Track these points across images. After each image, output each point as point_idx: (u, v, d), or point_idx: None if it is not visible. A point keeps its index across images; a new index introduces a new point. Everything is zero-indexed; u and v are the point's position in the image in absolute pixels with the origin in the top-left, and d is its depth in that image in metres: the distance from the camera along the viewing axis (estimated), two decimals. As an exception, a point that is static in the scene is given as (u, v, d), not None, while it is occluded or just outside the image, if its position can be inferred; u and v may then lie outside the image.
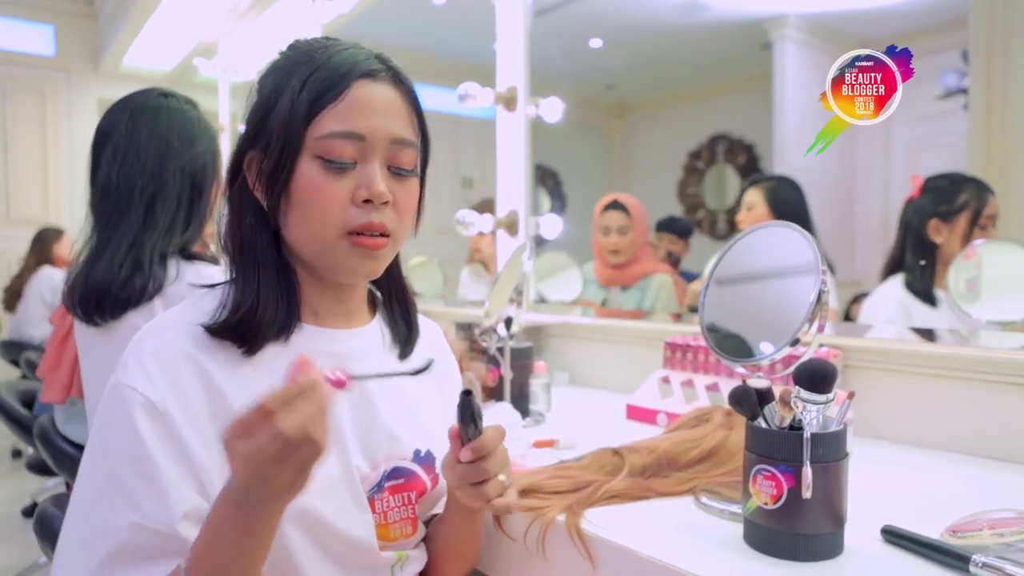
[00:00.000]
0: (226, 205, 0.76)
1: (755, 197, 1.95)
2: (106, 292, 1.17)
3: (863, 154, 2.60)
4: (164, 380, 0.67)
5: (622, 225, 2.15)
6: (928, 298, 1.49)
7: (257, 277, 0.72)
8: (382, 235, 0.73)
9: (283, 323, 0.73)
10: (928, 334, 1.23)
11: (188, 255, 1.24)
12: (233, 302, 0.72)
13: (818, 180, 2.16)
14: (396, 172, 0.74)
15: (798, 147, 2.80)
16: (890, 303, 1.61)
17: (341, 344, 0.78)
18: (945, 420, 1.15)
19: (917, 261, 1.54)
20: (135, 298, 1.17)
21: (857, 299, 1.90)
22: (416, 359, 0.85)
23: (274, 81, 0.73)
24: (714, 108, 3.47)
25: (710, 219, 3.55)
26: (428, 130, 0.79)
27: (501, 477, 0.72)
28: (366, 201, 0.71)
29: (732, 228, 3.46)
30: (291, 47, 0.77)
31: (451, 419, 0.72)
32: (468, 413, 0.71)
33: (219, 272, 1.14)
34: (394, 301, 0.86)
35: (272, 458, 0.54)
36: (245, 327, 0.71)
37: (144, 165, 1.25)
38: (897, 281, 1.59)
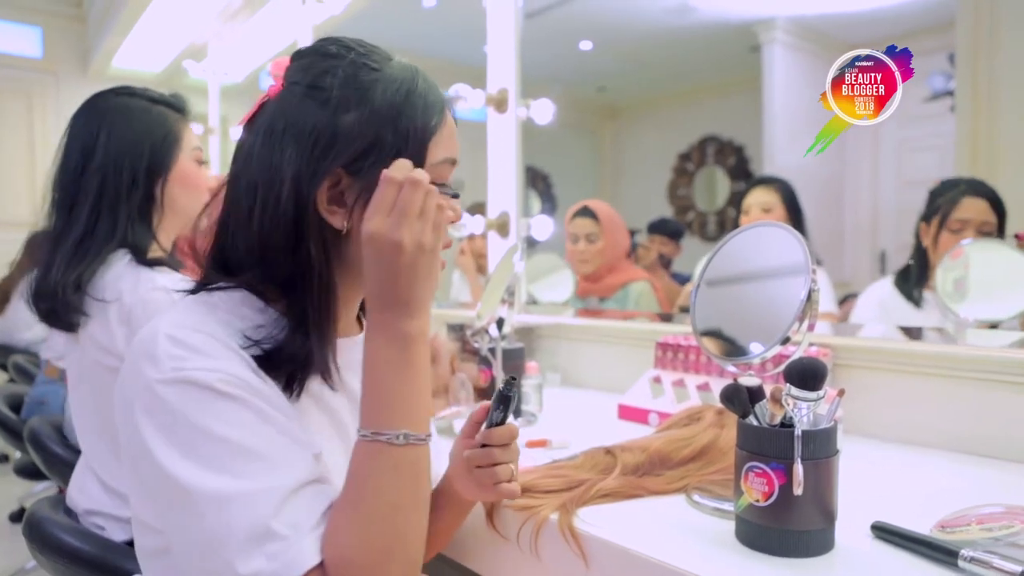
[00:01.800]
0: (276, 231, 0.68)
1: (770, 198, 1.88)
2: (52, 306, 1.12)
3: (852, 155, 2.63)
4: (229, 360, 0.63)
5: (590, 232, 2.06)
6: (912, 298, 1.51)
7: (316, 316, 0.68)
8: None
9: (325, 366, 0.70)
10: (917, 333, 1.24)
11: (148, 261, 1.15)
12: (287, 351, 0.67)
13: (808, 181, 2.17)
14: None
15: (787, 148, 2.82)
16: (874, 303, 1.63)
17: (356, 352, 0.77)
18: (934, 418, 1.16)
19: (908, 261, 1.57)
20: (73, 309, 1.11)
21: (846, 299, 1.91)
22: None
23: (383, 93, 0.69)
24: (704, 110, 3.49)
25: (700, 220, 3.57)
26: None
27: (511, 466, 0.78)
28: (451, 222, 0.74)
29: (722, 229, 3.48)
30: (368, 54, 0.71)
31: None
32: (503, 397, 0.77)
33: (182, 279, 1.09)
34: None
35: (412, 211, 0.63)
36: (292, 378, 0.68)
37: (67, 169, 1.19)
38: (886, 280, 1.61)
